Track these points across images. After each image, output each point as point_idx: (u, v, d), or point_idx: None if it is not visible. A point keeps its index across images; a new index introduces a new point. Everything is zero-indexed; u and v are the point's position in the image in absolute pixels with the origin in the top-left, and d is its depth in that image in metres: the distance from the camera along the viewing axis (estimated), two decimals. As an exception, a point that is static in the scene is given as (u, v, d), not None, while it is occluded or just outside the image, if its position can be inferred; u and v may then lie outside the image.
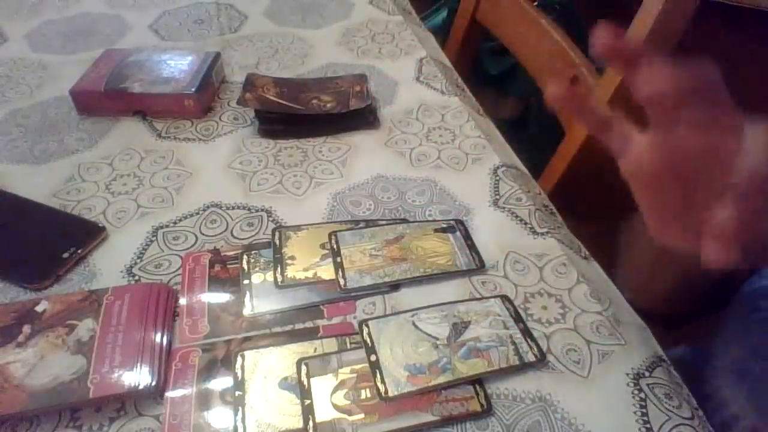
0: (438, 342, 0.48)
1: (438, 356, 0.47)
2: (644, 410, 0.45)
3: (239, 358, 0.47)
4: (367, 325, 0.49)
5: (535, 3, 0.98)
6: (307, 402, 0.44)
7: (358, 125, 0.73)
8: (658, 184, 0.34)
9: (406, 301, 0.53)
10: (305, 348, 0.48)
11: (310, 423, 0.43)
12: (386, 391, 0.44)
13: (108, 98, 0.74)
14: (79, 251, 0.56)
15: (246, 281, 0.54)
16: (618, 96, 0.69)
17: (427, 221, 0.61)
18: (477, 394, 0.45)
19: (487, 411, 0.44)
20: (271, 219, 0.61)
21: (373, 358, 0.47)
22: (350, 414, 0.43)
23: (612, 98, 0.69)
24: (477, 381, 0.46)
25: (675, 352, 0.62)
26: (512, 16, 0.93)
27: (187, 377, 0.46)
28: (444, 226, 0.59)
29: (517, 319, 0.50)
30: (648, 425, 0.44)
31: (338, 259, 0.55)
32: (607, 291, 0.55)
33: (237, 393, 0.45)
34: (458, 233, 0.59)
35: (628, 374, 0.47)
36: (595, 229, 0.65)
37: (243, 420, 0.43)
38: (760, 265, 0.44)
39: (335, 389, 0.45)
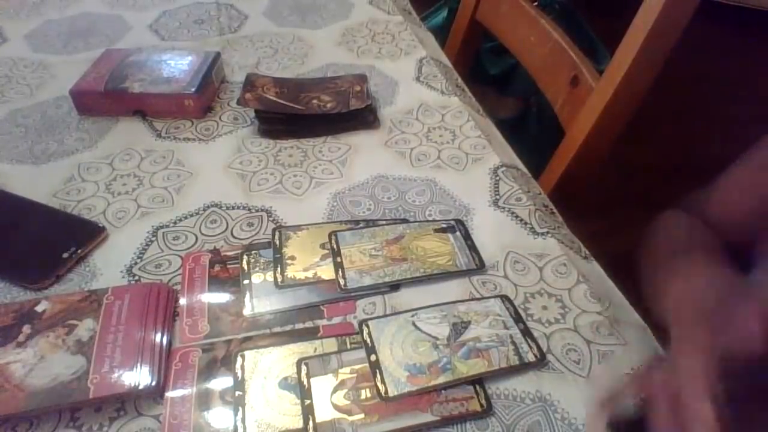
0: (438, 342, 0.48)
1: (438, 356, 0.47)
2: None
3: (239, 358, 0.47)
4: (367, 325, 0.49)
5: (535, 3, 0.98)
6: (307, 402, 0.44)
7: (358, 125, 0.73)
8: None
9: (406, 301, 0.53)
10: (305, 348, 0.48)
11: (310, 423, 0.43)
12: (386, 391, 0.44)
13: (108, 98, 0.74)
14: (79, 251, 0.56)
15: (246, 281, 0.54)
16: (618, 97, 0.69)
17: (427, 221, 0.60)
18: (477, 394, 0.45)
19: (487, 411, 0.44)
20: (271, 219, 0.61)
21: (373, 358, 0.47)
22: (350, 414, 0.43)
23: (612, 99, 0.69)
24: (477, 381, 0.46)
25: None
26: (512, 16, 0.93)
27: (187, 377, 0.46)
28: (444, 226, 0.59)
29: (517, 319, 0.50)
30: None
31: (338, 259, 0.55)
32: (607, 291, 0.55)
33: (237, 393, 0.45)
34: (458, 233, 0.59)
35: (628, 374, 0.47)
36: (595, 229, 0.65)
37: (243, 420, 0.43)
38: None
39: (335, 389, 0.45)
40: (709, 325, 0.38)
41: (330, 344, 0.48)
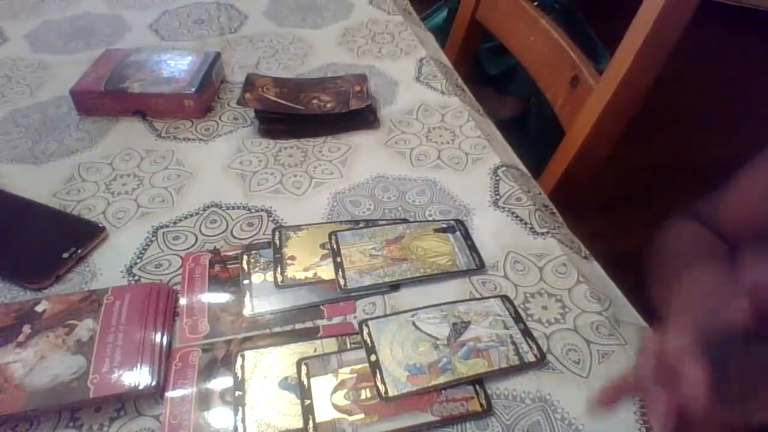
0: (438, 342, 0.48)
1: (438, 356, 0.47)
2: (644, 410, 0.44)
3: (239, 358, 0.47)
4: (367, 325, 0.49)
5: (535, 3, 0.98)
6: (307, 402, 0.44)
7: (358, 125, 0.73)
8: None
9: (406, 301, 0.53)
10: (305, 348, 0.48)
11: (310, 423, 0.43)
12: (386, 391, 0.44)
13: (108, 98, 0.74)
14: (79, 251, 0.56)
15: (246, 281, 0.54)
16: (618, 97, 0.69)
17: (427, 221, 0.61)
18: (477, 394, 0.45)
19: (487, 411, 0.44)
20: (271, 219, 0.61)
21: (373, 358, 0.47)
22: (350, 414, 0.43)
23: (612, 99, 0.69)
24: (477, 381, 0.46)
25: None
26: (512, 16, 0.93)
27: (187, 377, 0.46)
28: (444, 226, 0.59)
29: (517, 319, 0.50)
30: (648, 425, 0.44)
31: (338, 259, 0.55)
32: (607, 291, 0.55)
33: (237, 393, 0.45)
34: (458, 233, 0.59)
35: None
36: (595, 229, 0.65)
37: (243, 420, 0.43)
38: None
39: (335, 389, 0.45)
40: (698, 306, 0.39)
41: (330, 344, 0.48)
